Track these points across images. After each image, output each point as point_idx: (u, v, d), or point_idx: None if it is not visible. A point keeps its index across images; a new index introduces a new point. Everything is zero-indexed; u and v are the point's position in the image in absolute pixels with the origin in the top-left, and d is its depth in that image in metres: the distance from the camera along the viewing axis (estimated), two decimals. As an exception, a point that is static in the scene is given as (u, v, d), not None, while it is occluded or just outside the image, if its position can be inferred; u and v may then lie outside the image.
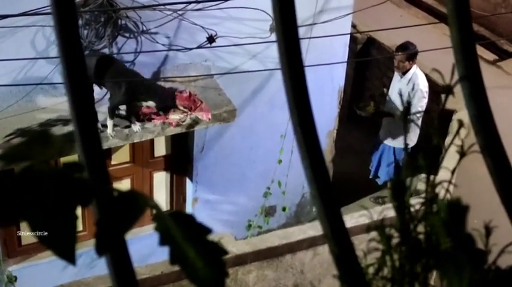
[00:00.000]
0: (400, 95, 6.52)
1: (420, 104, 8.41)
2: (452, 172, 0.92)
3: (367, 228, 0.84)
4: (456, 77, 0.89)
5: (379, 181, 9.28)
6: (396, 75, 8.76)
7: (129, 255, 0.69)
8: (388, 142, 8.92)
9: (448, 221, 0.76)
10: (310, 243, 7.18)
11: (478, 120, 0.86)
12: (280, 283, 7.40)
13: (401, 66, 8.53)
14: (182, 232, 0.67)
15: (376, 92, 9.98)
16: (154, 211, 0.68)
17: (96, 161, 0.67)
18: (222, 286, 0.68)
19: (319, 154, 0.81)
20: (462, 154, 0.90)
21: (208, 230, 0.69)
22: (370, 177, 9.32)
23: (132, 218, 0.66)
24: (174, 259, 0.67)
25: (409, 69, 8.49)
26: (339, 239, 0.73)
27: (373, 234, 0.86)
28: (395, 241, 0.85)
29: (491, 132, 0.86)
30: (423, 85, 8.41)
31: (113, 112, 7.04)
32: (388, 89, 9.03)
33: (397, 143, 8.80)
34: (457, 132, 0.92)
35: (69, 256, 0.66)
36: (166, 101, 7.22)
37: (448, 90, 0.89)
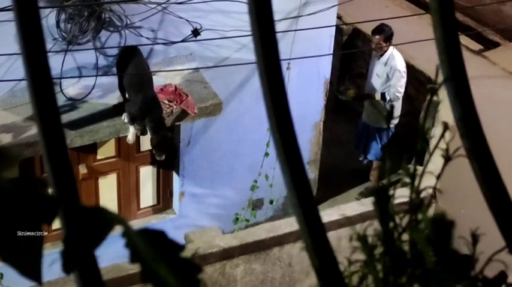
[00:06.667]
0: (378, 76, 6.65)
1: (399, 84, 8.70)
2: (438, 178, 0.90)
3: (350, 238, 0.81)
4: (441, 77, 0.86)
5: (366, 161, 9.44)
6: (374, 57, 8.96)
7: (99, 273, 0.66)
8: (372, 123, 9.08)
9: (432, 238, 0.73)
10: (297, 236, 7.16)
11: (463, 122, 0.84)
12: (268, 276, 7.39)
13: (379, 48, 8.75)
14: (153, 249, 0.64)
15: (355, 73, 10.17)
16: (122, 228, 0.65)
17: (64, 175, 0.64)
18: (197, 303, 0.65)
19: (298, 158, 0.77)
20: (447, 158, 0.87)
21: (180, 247, 0.66)
22: (365, 162, 9.47)
23: (100, 235, 0.63)
24: (145, 277, 0.64)
25: (386, 51, 8.70)
26: (320, 253, 0.70)
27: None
28: (379, 250, 0.82)
29: (477, 135, 0.83)
30: (400, 65, 8.71)
31: (133, 119, 6.94)
32: (367, 70, 9.22)
33: (379, 123, 8.99)
34: (442, 135, 0.89)
35: (35, 276, 0.63)
36: (167, 140, 7.04)
37: (432, 92, 0.86)
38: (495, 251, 0.82)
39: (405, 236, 0.83)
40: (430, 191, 0.89)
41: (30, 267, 0.63)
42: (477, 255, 0.81)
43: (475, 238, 0.81)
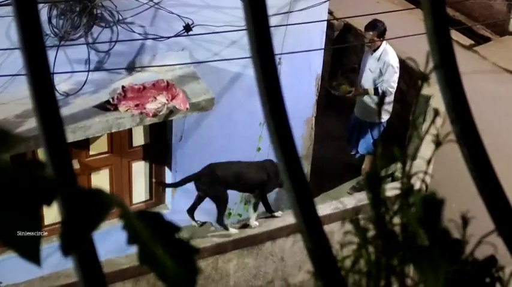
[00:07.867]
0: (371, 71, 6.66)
1: (392, 79, 8.75)
2: (428, 162, 0.91)
3: (342, 219, 0.83)
4: (431, 65, 0.88)
5: (358, 156, 9.49)
6: (367, 52, 8.99)
7: (97, 254, 0.67)
8: (364, 117, 9.12)
9: (423, 217, 0.74)
10: (289, 230, 7.19)
11: (453, 108, 0.85)
12: (260, 271, 7.41)
13: (373, 44, 8.80)
14: (150, 230, 0.65)
15: (348, 67, 10.20)
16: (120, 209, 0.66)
17: (61, 157, 0.65)
18: (193, 284, 0.66)
19: (292, 149, 0.79)
20: (438, 143, 0.89)
21: (176, 228, 0.67)
22: (357, 157, 9.51)
23: (99, 216, 0.64)
24: (143, 259, 0.65)
25: (379, 46, 8.74)
26: (313, 234, 0.72)
27: (349, 225, 0.85)
28: (371, 233, 0.83)
29: (467, 121, 0.85)
30: (393, 61, 8.75)
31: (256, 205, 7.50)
32: (359, 65, 9.25)
33: (371, 118, 9.04)
34: (433, 121, 0.91)
35: (34, 257, 0.64)
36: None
37: (423, 78, 0.88)
38: (485, 234, 0.84)
39: (397, 221, 0.85)
40: (421, 175, 0.91)
41: (30, 249, 0.64)
42: (467, 238, 0.83)
43: (465, 221, 0.83)
